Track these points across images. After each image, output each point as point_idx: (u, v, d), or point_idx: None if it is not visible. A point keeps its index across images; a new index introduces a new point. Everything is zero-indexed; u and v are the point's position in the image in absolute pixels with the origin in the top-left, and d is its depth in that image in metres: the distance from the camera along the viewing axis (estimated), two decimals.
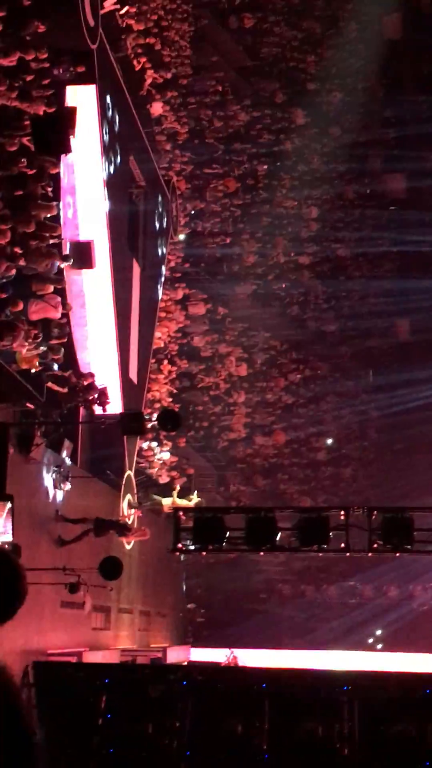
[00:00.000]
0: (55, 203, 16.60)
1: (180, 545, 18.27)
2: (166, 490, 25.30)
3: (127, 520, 21.83)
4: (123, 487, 22.14)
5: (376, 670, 20.81)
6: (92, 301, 20.11)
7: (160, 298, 27.45)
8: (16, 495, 14.18)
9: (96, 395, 18.29)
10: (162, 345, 27.98)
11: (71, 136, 16.22)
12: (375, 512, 17.58)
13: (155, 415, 19.72)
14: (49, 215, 16.35)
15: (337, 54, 33.07)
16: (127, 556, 20.83)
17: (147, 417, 19.83)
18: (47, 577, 15.70)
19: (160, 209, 27.10)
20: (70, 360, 18.06)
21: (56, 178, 17.09)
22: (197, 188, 30.55)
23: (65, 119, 16.10)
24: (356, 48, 33.38)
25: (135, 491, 23.17)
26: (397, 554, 19.31)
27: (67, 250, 17.88)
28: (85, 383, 18.09)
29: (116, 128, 21.78)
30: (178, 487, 25.00)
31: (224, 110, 30.46)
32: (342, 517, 17.65)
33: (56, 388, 16.95)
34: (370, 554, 18.09)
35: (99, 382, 18.80)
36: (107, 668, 18.12)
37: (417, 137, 33.60)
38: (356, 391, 34.70)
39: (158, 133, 27.18)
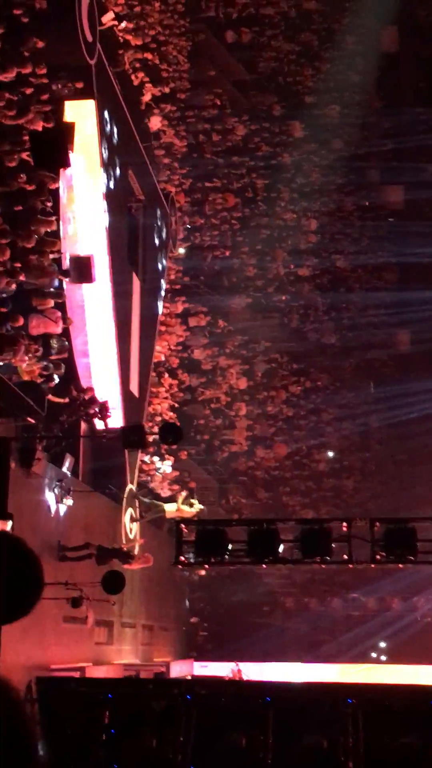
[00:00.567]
0: (54, 218, 16.65)
1: (182, 558, 18.23)
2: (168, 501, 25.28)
3: (129, 536, 21.80)
4: (124, 500, 22.12)
5: (380, 683, 20.75)
6: (92, 315, 20.13)
7: (160, 311, 27.48)
8: (17, 509, 14.16)
9: (97, 409, 18.31)
10: (162, 358, 28.00)
11: (70, 151, 16.27)
12: (377, 523, 17.52)
13: (156, 429, 19.73)
14: (48, 230, 16.40)
15: (335, 67, 33.22)
16: (129, 570, 20.78)
17: (148, 430, 19.84)
18: (49, 591, 15.65)
19: (160, 223, 27.16)
20: (71, 374, 18.07)
21: (55, 192, 17.14)
22: (196, 202, 30.63)
23: (64, 134, 16.16)
24: (353, 61, 33.55)
25: (137, 505, 23.14)
26: (401, 565, 19.26)
27: (66, 265, 17.91)
28: (86, 397, 18.11)
29: (115, 142, 21.85)
30: (184, 494, 24.95)
31: (222, 124, 30.57)
32: (344, 529, 17.61)
33: (57, 399, 16.96)
34: (373, 566, 18.04)
35: (100, 396, 18.82)
36: (110, 683, 18.07)
37: (415, 149, 33.73)
38: (357, 403, 34.69)
39: (157, 147, 27.27)
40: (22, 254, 15.63)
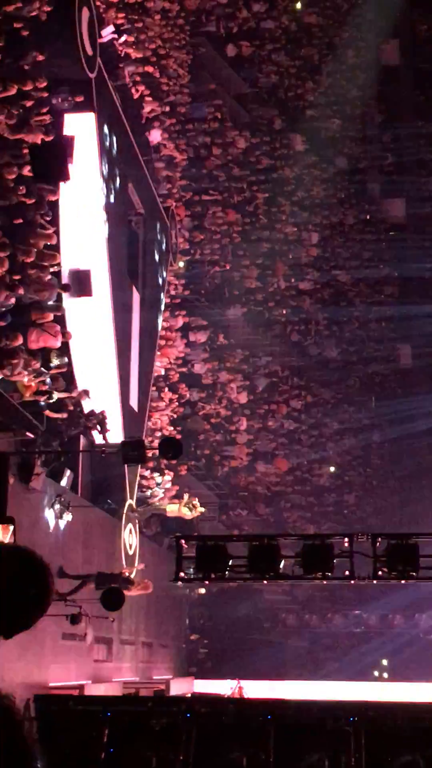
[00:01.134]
0: (54, 231, 16.57)
1: (182, 574, 18.05)
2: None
3: (128, 552, 21.63)
4: (124, 516, 21.96)
5: (382, 701, 20.55)
6: (92, 328, 20.03)
7: (160, 325, 27.39)
8: (16, 524, 14.02)
9: (96, 422, 18.17)
10: (162, 372, 27.88)
11: (70, 164, 16.23)
12: (379, 539, 17.35)
13: (156, 443, 19.58)
14: (48, 243, 16.32)
15: (335, 81, 33.27)
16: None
17: (148, 445, 19.69)
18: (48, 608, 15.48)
19: (160, 236, 27.09)
20: (70, 388, 17.93)
21: (55, 206, 17.06)
22: (196, 215, 30.58)
23: (64, 147, 16.13)
24: (354, 75, 33.58)
25: (137, 521, 22.98)
26: (403, 582, 19.07)
27: (66, 279, 17.82)
28: (83, 403, 17.96)
29: (114, 156, 21.81)
30: (186, 497, 24.77)
31: (223, 137, 30.55)
32: (346, 545, 17.44)
33: (55, 415, 16.83)
34: (374, 582, 17.85)
35: (98, 408, 18.67)
36: (109, 701, 17.86)
37: (416, 163, 33.74)
38: (358, 417, 34.56)
39: (157, 160, 27.23)
40: (21, 268, 15.54)
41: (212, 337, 30.84)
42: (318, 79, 33.15)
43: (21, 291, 15.21)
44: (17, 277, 15.40)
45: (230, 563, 17.36)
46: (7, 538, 13.20)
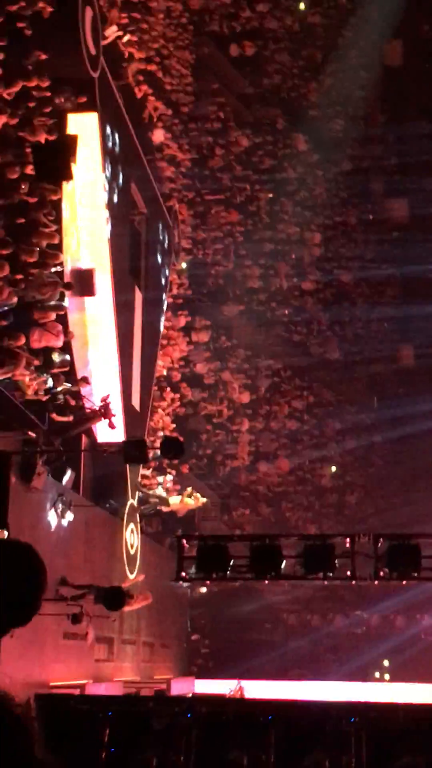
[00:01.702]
0: (56, 230, 16.57)
1: (183, 574, 18.05)
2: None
3: (130, 552, 21.61)
4: (126, 515, 21.94)
5: (383, 701, 20.50)
6: (94, 328, 20.03)
7: (162, 324, 27.38)
8: (17, 523, 14.02)
9: (101, 409, 18.01)
10: (164, 372, 27.89)
11: (72, 164, 16.22)
12: (381, 539, 17.36)
13: (158, 443, 19.55)
14: (50, 242, 16.32)
15: (338, 81, 33.24)
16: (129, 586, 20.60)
17: (149, 444, 19.66)
18: (49, 607, 15.46)
19: (162, 236, 27.09)
20: (72, 386, 17.93)
21: (57, 205, 17.07)
22: (199, 215, 30.58)
23: (66, 147, 16.12)
24: (357, 75, 33.55)
25: (138, 521, 22.96)
26: (404, 582, 19.06)
27: (68, 278, 17.81)
28: (88, 403, 17.93)
29: (117, 155, 21.79)
30: (189, 489, 24.73)
31: (225, 137, 30.55)
32: (347, 545, 17.44)
33: (60, 418, 16.82)
34: (376, 582, 17.85)
35: (101, 394, 18.56)
36: (110, 700, 17.84)
37: (419, 163, 33.68)
38: (361, 418, 34.53)
39: (159, 160, 27.23)
40: (23, 267, 15.54)
41: (214, 336, 30.84)
42: (321, 79, 33.14)
43: (23, 289, 15.23)
44: (19, 277, 15.41)
45: (232, 563, 17.38)
46: None
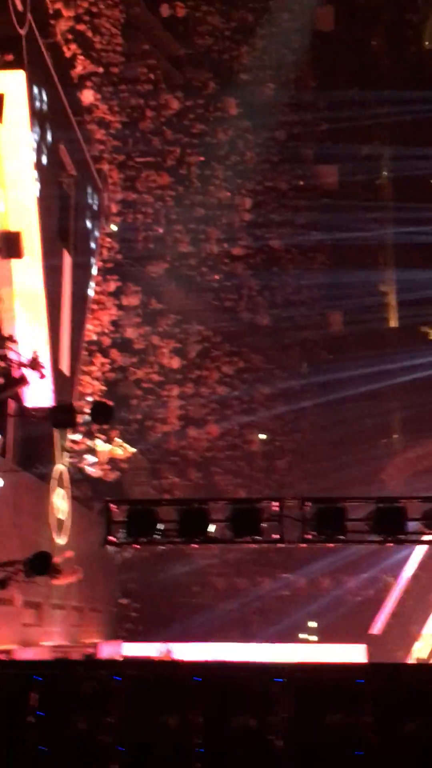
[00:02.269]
0: None
1: (112, 538, 18.00)
2: None
3: (58, 516, 21.49)
4: (52, 480, 21.81)
5: (309, 662, 20.79)
6: (22, 291, 19.76)
7: (92, 288, 27.12)
8: None
9: (29, 361, 17.65)
10: (94, 337, 27.66)
11: None
12: (308, 503, 17.48)
13: (87, 408, 19.34)
14: None
15: (270, 45, 33.04)
16: (58, 550, 20.51)
17: (78, 409, 19.45)
18: None
19: (92, 199, 26.75)
20: None
21: None
22: (129, 178, 30.25)
23: None
24: (289, 39, 33.38)
25: (68, 485, 22.83)
26: (330, 545, 19.26)
27: None
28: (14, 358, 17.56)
29: (46, 115, 21.41)
30: (118, 440, 24.64)
31: (156, 99, 30.21)
32: (275, 508, 17.53)
33: None
34: (303, 545, 18.00)
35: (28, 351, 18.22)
36: (38, 665, 17.77)
37: (350, 129, 33.74)
38: (290, 383, 34.69)
39: (89, 122, 26.83)
40: None
41: (144, 301, 30.65)
42: (253, 42, 32.91)
43: None
44: None
45: (161, 527, 17.37)
46: None
